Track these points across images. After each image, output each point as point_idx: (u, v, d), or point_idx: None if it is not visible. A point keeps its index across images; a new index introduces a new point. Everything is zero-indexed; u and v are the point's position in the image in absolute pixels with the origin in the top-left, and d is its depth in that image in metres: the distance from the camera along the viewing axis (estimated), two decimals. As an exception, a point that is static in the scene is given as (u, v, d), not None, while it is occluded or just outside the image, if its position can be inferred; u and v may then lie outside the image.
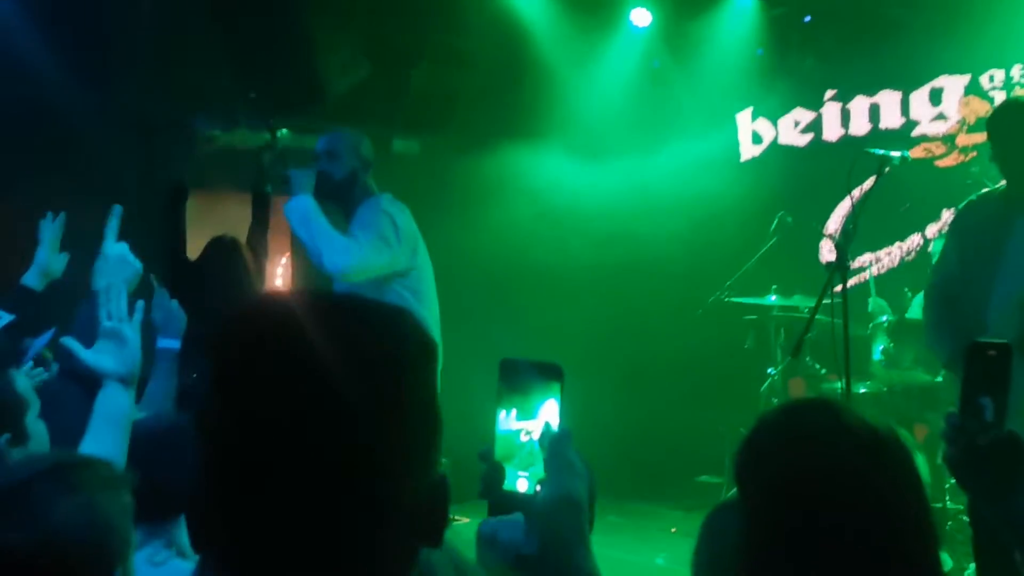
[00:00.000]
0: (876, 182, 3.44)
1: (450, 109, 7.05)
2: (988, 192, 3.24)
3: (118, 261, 2.19)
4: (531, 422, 1.28)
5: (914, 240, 6.33)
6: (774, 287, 5.83)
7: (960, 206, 3.36)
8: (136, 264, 2.25)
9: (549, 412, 1.28)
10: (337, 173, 3.87)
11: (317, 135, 7.11)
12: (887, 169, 3.42)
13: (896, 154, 3.41)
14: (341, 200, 3.93)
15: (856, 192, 5.94)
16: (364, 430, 0.89)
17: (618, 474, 6.65)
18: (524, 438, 1.28)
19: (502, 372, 1.26)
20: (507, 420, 1.27)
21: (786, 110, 7.01)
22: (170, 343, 2.73)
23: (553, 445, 1.27)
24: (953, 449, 1.46)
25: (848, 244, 3.23)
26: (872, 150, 3.44)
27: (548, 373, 1.27)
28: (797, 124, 6.98)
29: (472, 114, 7.06)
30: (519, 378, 1.26)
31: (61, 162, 5.59)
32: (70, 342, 1.93)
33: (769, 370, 5.95)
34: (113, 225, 2.24)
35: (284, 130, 6.93)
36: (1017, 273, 3.00)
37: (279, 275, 8.56)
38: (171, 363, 2.69)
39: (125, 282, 2.10)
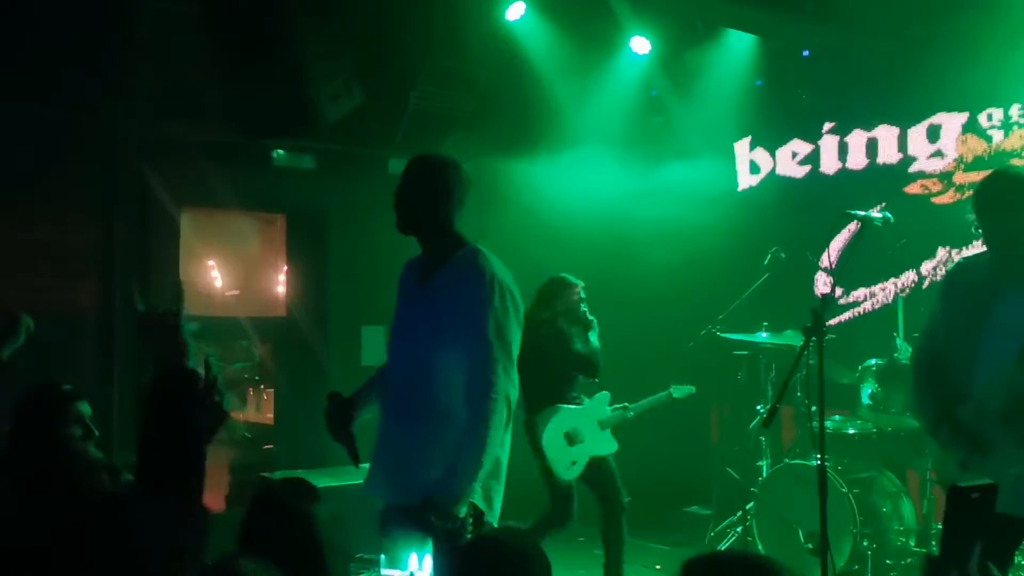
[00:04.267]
0: (858, 242, 3.41)
1: (448, 130, 7.04)
2: (977, 255, 3.18)
3: None
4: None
5: (909, 276, 6.28)
6: (765, 324, 5.79)
7: (950, 268, 3.31)
8: None
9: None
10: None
11: (312, 155, 7.22)
12: (867, 229, 3.40)
13: (877, 215, 3.37)
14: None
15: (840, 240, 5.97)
16: None
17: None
18: None
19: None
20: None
21: (784, 141, 6.96)
22: None
23: None
24: None
25: (825, 311, 3.19)
26: (853, 212, 3.40)
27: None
28: (795, 155, 6.94)
29: (470, 134, 7.04)
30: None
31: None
32: None
33: (758, 407, 5.91)
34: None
35: (280, 151, 6.94)
36: (1001, 343, 2.92)
37: (282, 285, 8.61)
38: None
39: None
